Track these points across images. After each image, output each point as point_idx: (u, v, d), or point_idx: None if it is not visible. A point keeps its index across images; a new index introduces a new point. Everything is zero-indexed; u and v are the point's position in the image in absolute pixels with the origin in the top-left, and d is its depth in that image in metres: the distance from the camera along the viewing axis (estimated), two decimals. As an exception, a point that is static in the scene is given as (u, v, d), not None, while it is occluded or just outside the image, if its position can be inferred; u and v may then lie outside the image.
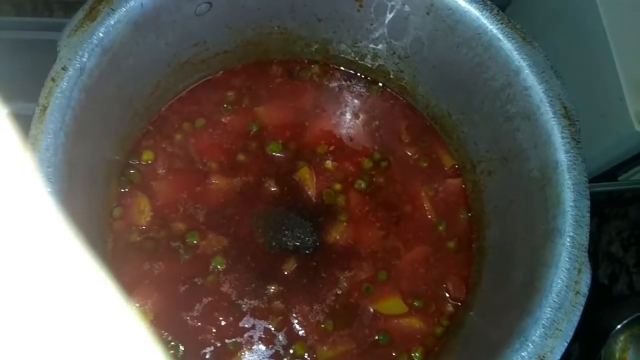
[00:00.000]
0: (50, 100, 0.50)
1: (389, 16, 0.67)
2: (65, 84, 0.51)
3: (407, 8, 0.67)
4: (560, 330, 0.53)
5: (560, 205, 0.58)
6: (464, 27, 0.64)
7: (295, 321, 0.68)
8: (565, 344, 0.53)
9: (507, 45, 0.62)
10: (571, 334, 0.53)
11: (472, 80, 0.67)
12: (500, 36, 0.62)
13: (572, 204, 0.57)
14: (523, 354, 0.52)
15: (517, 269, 0.63)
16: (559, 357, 0.52)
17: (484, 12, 0.63)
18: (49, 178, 0.48)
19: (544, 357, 0.52)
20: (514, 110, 0.63)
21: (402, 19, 0.67)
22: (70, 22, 0.54)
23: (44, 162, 0.49)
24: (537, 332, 0.53)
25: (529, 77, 0.61)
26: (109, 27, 0.54)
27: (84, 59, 0.53)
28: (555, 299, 0.54)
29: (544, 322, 0.53)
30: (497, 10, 0.63)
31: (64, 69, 0.51)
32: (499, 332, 0.58)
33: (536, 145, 0.61)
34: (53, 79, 0.51)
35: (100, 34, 0.54)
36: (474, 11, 0.63)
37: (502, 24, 0.62)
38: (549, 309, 0.53)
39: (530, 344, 0.52)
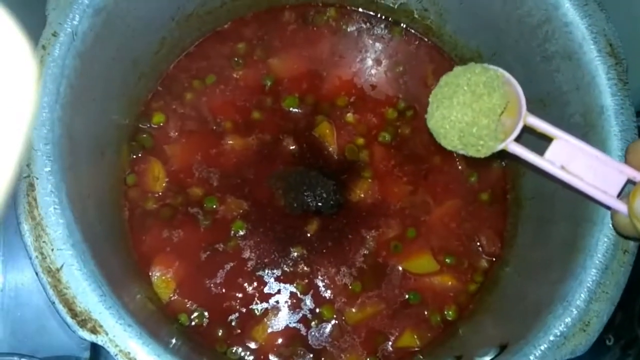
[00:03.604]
0: (42, 71, 0.46)
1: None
2: (57, 51, 0.47)
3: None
4: (607, 293, 0.49)
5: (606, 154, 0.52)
6: (495, -43, 0.57)
7: (322, 284, 0.65)
8: (613, 308, 0.49)
9: (545, -24, 0.54)
10: (619, 296, 0.49)
11: (504, 18, 0.60)
12: (537, -35, 0.54)
13: (619, 152, 0.51)
14: (566, 320, 0.48)
15: (558, 223, 0.58)
16: (606, 320, 0.48)
17: (516, -62, 0.55)
18: (48, 156, 0.45)
19: (589, 322, 0.48)
20: (552, 49, 0.56)
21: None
22: (57, -18, 0.49)
23: (40, 139, 0.45)
24: (582, 295, 0.48)
25: (570, 11, 0.54)
26: (99, -16, 0.49)
27: (75, 22, 0.48)
28: (601, 259, 0.49)
29: (589, 284, 0.49)
30: None
31: (55, 34, 0.47)
32: (538, 292, 0.54)
33: (578, 87, 0.55)
34: (44, 47, 0.47)
35: (90, -7, 0.49)
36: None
37: (538, -50, 0.55)
38: (594, 271, 0.49)
39: (574, 309, 0.48)
